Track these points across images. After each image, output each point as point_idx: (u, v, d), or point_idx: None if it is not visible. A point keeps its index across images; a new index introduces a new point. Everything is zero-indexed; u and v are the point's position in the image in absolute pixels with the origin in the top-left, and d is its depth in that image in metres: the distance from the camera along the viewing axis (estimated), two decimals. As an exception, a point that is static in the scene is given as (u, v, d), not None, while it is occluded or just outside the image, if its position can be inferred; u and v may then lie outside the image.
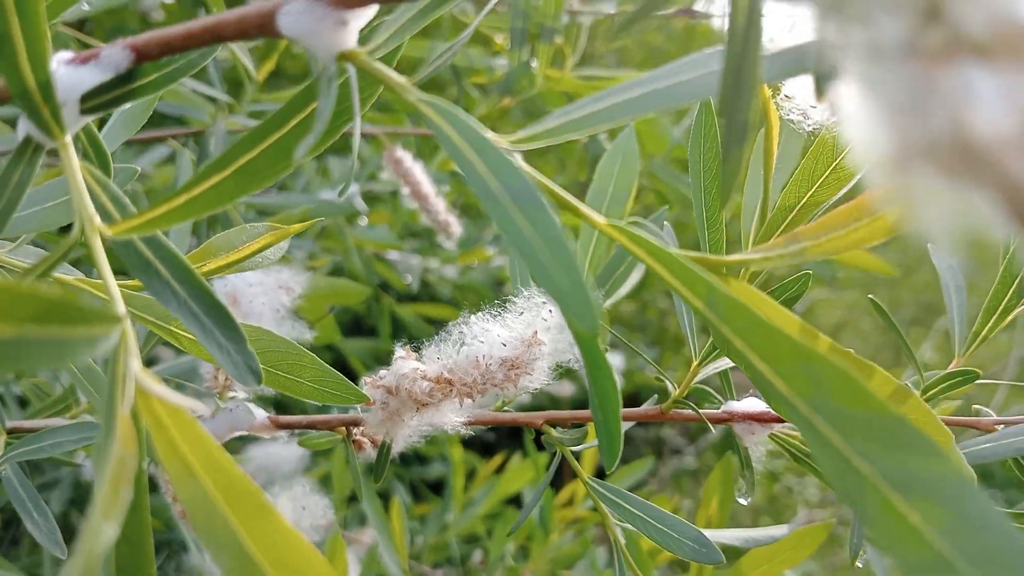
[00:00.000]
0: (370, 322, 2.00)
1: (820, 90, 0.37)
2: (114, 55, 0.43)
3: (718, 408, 0.89)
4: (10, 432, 0.91)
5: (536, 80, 1.44)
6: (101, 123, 0.58)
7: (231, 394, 0.91)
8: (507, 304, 0.79)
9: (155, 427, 0.35)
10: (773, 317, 0.45)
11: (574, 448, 0.92)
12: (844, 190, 0.62)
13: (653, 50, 3.36)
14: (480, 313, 0.80)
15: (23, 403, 1.32)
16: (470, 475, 1.79)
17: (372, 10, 0.41)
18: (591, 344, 0.41)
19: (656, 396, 0.95)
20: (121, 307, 0.38)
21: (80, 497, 1.37)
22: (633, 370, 2.42)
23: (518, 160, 0.40)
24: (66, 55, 0.44)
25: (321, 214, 1.37)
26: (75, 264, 0.65)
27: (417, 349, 0.80)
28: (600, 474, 1.04)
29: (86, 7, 1.11)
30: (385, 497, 1.60)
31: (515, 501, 1.78)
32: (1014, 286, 0.84)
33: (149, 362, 1.11)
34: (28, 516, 0.84)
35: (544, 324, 0.76)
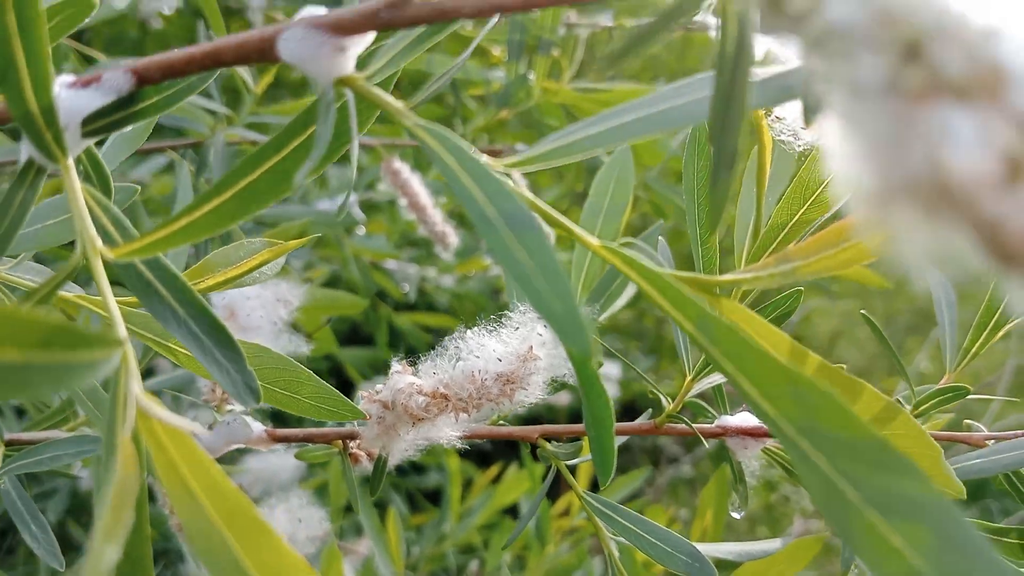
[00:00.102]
0: (367, 330, 2.00)
1: (808, 118, 0.37)
2: (116, 79, 0.44)
3: (712, 422, 0.90)
4: (8, 444, 0.91)
5: (533, 92, 1.45)
6: (101, 141, 0.59)
7: (229, 407, 0.91)
8: (503, 318, 0.80)
9: (155, 449, 0.36)
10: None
11: (570, 462, 0.93)
12: (835, 208, 0.63)
13: (650, 59, 3.38)
14: (476, 328, 0.80)
15: (21, 414, 1.33)
16: (467, 485, 1.79)
17: (370, 36, 0.42)
18: (585, 364, 0.42)
19: (651, 410, 0.96)
20: (122, 330, 0.38)
21: (77, 507, 1.37)
22: (630, 379, 2.43)
23: (515, 181, 0.41)
24: (68, 78, 0.45)
25: (319, 226, 1.37)
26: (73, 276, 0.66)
27: (413, 364, 0.80)
28: (596, 485, 1.05)
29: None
30: (381, 507, 1.61)
31: (512, 511, 1.79)
32: (1004, 303, 0.85)
33: (147, 373, 1.12)
34: (26, 529, 0.85)
35: (540, 339, 0.76)
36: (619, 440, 0.98)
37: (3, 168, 1.11)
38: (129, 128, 0.45)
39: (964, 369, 0.95)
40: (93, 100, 0.44)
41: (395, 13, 0.39)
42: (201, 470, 0.36)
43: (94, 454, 0.83)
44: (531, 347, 0.76)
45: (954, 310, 0.90)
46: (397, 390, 0.80)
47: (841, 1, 0.27)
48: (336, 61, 0.41)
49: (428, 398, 0.79)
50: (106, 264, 0.43)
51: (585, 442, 1.02)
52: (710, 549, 0.91)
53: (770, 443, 0.85)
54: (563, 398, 2.22)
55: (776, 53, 0.37)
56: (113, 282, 0.44)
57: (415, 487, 2.01)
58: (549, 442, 0.94)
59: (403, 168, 1.39)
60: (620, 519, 0.87)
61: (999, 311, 0.86)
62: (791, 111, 0.53)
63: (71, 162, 0.43)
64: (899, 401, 0.95)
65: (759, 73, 0.39)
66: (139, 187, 0.53)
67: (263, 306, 0.98)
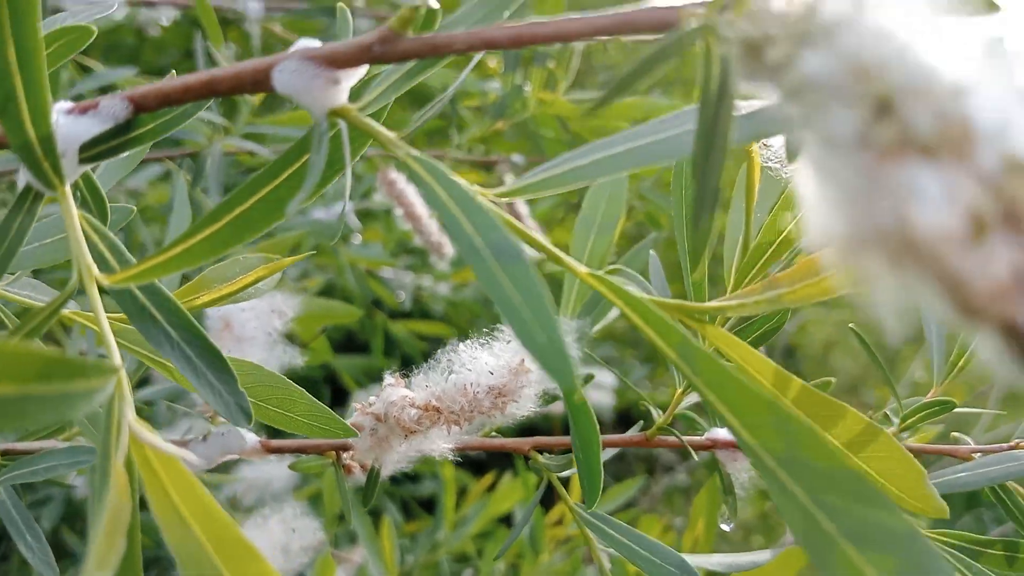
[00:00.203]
0: (363, 337, 2.01)
1: (790, 156, 0.38)
2: (113, 106, 0.45)
3: (702, 434, 0.91)
4: (4, 454, 0.92)
5: (529, 103, 1.46)
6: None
7: (222, 418, 0.92)
8: (496, 331, 0.80)
9: (148, 475, 0.37)
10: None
11: (562, 473, 0.94)
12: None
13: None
14: (469, 340, 0.81)
15: (16, 421, 1.33)
16: (461, 493, 1.80)
17: (363, 69, 0.42)
18: (571, 393, 0.43)
19: (642, 422, 0.97)
20: (117, 358, 0.39)
21: (71, 514, 1.37)
22: (625, 388, 2.44)
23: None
24: (66, 105, 0.45)
25: (316, 235, 1.38)
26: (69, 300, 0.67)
27: (406, 376, 0.81)
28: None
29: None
30: (376, 514, 1.61)
31: (507, 520, 1.79)
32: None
33: (142, 382, 1.12)
34: (21, 539, 0.85)
35: (531, 354, 0.77)
36: (612, 452, 0.99)
37: (2, 177, 1.12)
38: (125, 153, 0.46)
39: (956, 379, 0.96)
40: (91, 127, 0.44)
41: (388, 48, 0.40)
42: (191, 496, 0.37)
43: (89, 464, 0.84)
44: (523, 360, 0.77)
45: (943, 324, 0.91)
46: (390, 403, 0.81)
47: (816, 54, 0.27)
48: (330, 93, 0.41)
49: (420, 411, 0.80)
50: (101, 287, 0.44)
51: (576, 455, 1.03)
52: (700, 561, 0.92)
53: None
54: (558, 406, 2.22)
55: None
56: (104, 291, 0.44)
57: (409, 495, 2.01)
58: (541, 454, 0.95)
59: (399, 179, 1.40)
60: (611, 531, 0.87)
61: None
62: (778, 138, 0.54)
63: (68, 189, 0.44)
64: (887, 415, 0.96)
65: (744, 106, 0.40)
66: (134, 209, 0.54)
67: (258, 317, 0.99)
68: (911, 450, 0.94)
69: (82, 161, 0.45)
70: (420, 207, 1.41)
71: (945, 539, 0.86)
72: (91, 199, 0.46)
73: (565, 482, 0.93)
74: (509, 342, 0.80)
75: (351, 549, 1.49)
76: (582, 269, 0.45)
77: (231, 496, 1.18)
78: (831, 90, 0.27)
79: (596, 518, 0.88)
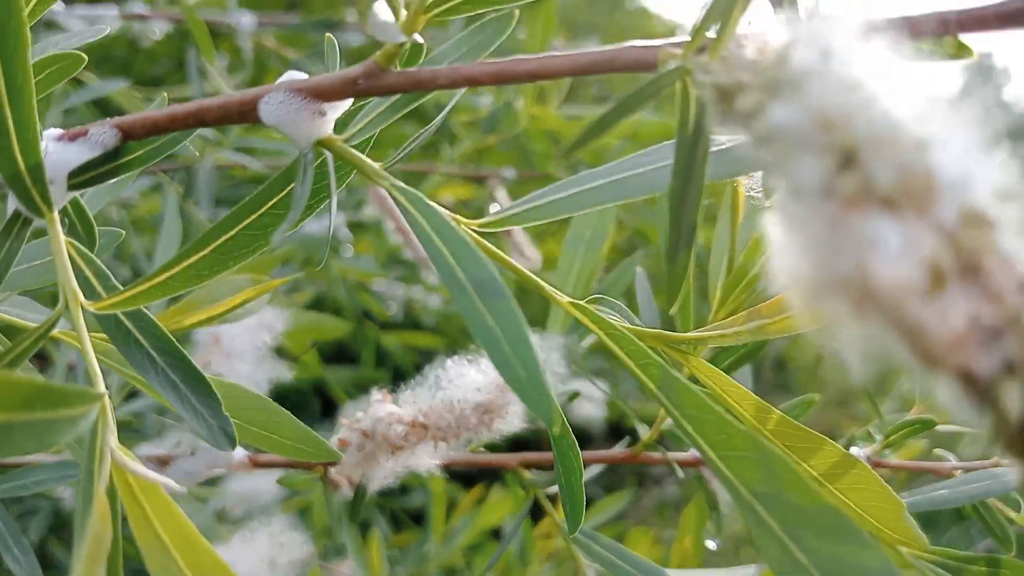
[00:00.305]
0: (354, 348, 2.01)
1: (766, 193, 0.39)
2: (102, 134, 0.45)
3: (688, 450, 0.92)
4: (-9, 468, 0.92)
5: (520, 118, 1.47)
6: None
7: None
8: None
9: (130, 502, 0.37)
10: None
11: (549, 489, 0.94)
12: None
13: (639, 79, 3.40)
14: (456, 357, 0.82)
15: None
16: (451, 506, 1.80)
17: (348, 101, 0.43)
18: (551, 425, 0.43)
19: (628, 438, 0.98)
20: (101, 385, 0.40)
21: (59, 525, 1.37)
22: (617, 399, 2.43)
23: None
24: (55, 132, 0.46)
25: (305, 251, 1.38)
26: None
27: (394, 392, 0.82)
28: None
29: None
30: (365, 527, 1.61)
31: (497, 533, 1.79)
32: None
33: (132, 394, 1.12)
34: (8, 552, 0.85)
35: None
36: (598, 469, 0.99)
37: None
38: (113, 180, 0.46)
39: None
40: (80, 154, 0.45)
41: (373, 82, 0.41)
42: (172, 522, 0.37)
43: (77, 479, 0.84)
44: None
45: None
46: (377, 419, 0.81)
47: (784, 104, 0.28)
48: (315, 125, 0.42)
49: (407, 427, 0.81)
50: (86, 313, 0.45)
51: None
52: (683, 576, 0.92)
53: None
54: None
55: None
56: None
57: (398, 507, 2.01)
58: (528, 469, 0.95)
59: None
60: (597, 547, 0.88)
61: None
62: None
63: (56, 215, 0.44)
64: (869, 432, 0.97)
65: (721, 142, 0.41)
66: (123, 232, 0.54)
67: (247, 332, 0.99)
68: (893, 467, 0.95)
69: (71, 188, 0.45)
70: (411, 221, 1.42)
71: (927, 556, 0.86)
72: (79, 224, 0.46)
73: (553, 497, 0.93)
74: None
75: (340, 562, 1.48)
76: (564, 299, 0.45)
77: (219, 509, 1.18)
78: (798, 140, 0.27)
79: (583, 534, 0.88)
